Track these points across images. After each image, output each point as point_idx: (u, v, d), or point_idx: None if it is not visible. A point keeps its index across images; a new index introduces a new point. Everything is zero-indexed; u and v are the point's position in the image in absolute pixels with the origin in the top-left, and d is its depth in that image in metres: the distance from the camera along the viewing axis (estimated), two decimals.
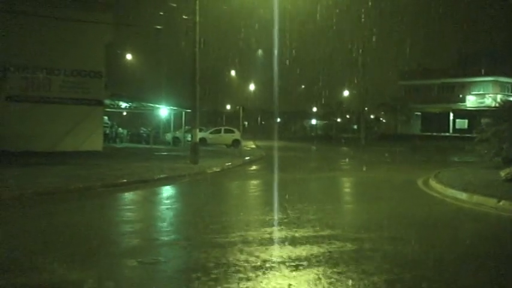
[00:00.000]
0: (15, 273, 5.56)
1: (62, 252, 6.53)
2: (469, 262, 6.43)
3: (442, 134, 50.87)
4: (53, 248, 6.78)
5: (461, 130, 49.79)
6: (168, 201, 12.09)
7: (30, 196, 11.09)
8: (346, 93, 73.51)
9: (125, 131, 41.79)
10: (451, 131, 53.08)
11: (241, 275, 5.52)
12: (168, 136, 38.20)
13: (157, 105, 35.07)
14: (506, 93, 49.69)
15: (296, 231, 7.85)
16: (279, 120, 73.80)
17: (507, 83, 52.44)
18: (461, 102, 52.79)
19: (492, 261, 6.50)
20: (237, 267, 5.79)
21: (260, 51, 61.64)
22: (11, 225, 8.44)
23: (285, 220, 8.78)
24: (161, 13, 20.29)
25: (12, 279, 5.38)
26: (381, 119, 70.94)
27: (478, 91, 52.15)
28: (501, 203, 10.57)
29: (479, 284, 5.65)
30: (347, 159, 28.59)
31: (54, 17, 20.88)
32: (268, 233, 7.69)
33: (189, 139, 23.34)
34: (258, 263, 5.98)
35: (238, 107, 43.75)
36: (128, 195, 12.53)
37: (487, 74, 50.41)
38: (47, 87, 23.90)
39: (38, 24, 21.52)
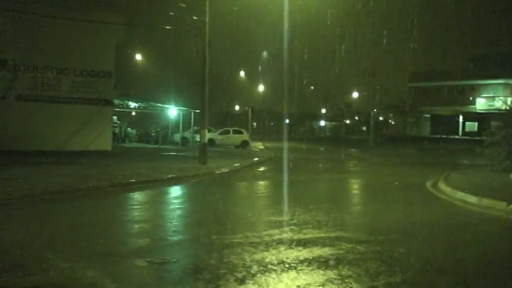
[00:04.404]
0: (23, 272, 5.59)
1: (70, 251, 6.57)
2: (479, 266, 6.39)
3: (452, 136, 50.51)
4: (61, 247, 6.82)
5: (470, 133, 49.41)
6: (176, 202, 12.12)
7: (39, 195, 11.15)
8: (355, 94, 73.44)
9: (134, 131, 41.94)
10: (460, 133, 52.69)
11: (249, 276, 5.52)
12: (177, 136, 38.26)
13: (166, 106, 35.19)
14: None
15: (305, 232, 7.85)
16: (287, 121, 73.71)
17: None
18: (471, 105, 52.36)
19: (503, 265, 6.45)
20: (245, 268, 5.80)
21: (265, 53, 61.59)
22: (20, 224, 8.49)
23: (293, 221, 8.77)
24: (171, 13, 20.32)
25: (20, 278, 5.41)
26: (390, 120, 70.64)
27: (488, 94, 51.71)
28: (510, 207, 10.51)
29: None
30: (356, 161, 28.49)
31: (64, 17, 21.02)
32: (277, 234, 7.68)
33: (198, 140, 23.39)
34: (266, 264, 5.99)
35: (247, 108, 43.77)
36: (137, 195, 12.57)
37: (497, 77, 49.99)
38: (57, 86, 24.01)
39: (49, 24, 21.61)
